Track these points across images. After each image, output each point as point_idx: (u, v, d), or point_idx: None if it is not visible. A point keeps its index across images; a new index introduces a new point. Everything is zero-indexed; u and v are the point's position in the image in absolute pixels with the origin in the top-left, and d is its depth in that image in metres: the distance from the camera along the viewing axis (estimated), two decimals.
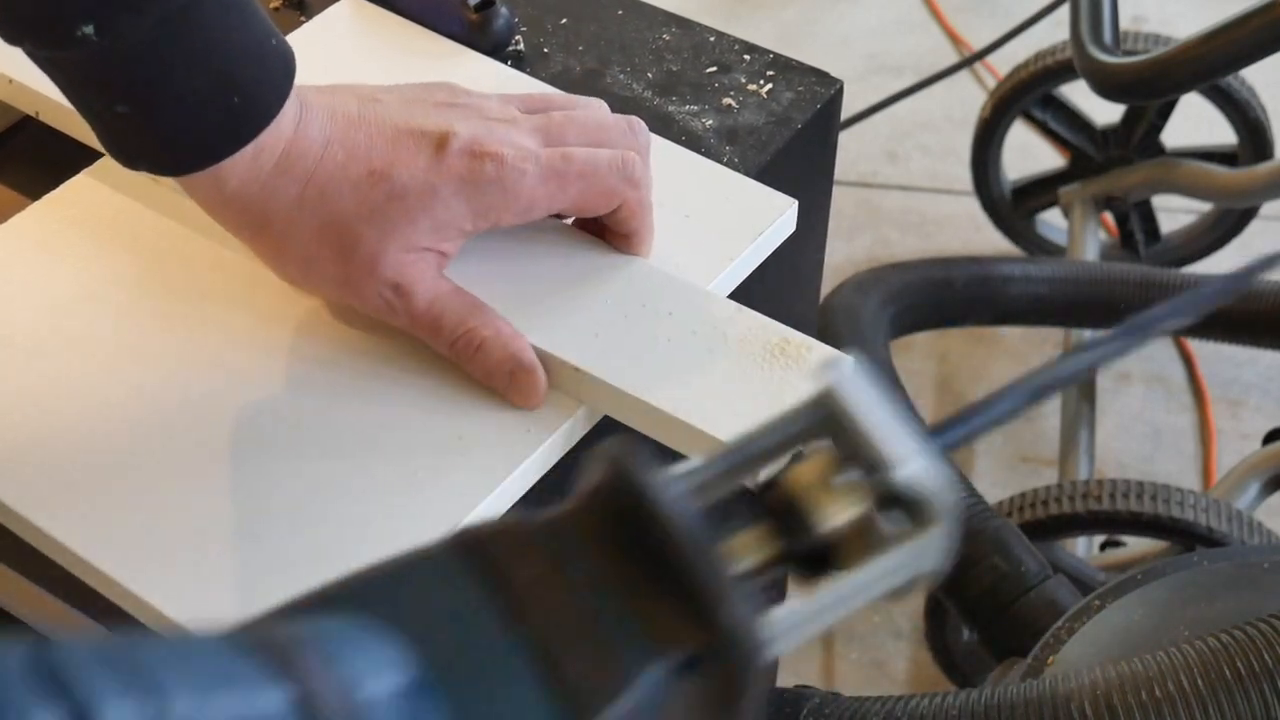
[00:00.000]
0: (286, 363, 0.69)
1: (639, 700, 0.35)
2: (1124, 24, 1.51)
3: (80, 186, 0.76)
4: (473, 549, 0.37)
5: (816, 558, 0.38)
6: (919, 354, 1.74)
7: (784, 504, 0.38)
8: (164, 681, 0.30)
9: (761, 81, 0.83)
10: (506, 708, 0.34)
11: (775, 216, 0.74)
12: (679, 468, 0.39)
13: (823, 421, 0.39)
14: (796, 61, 0.84)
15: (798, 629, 0.37)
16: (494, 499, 0.64)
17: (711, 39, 0.85)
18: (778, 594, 0.38)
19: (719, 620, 0.35)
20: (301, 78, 0.81)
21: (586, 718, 0.34)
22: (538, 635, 0.35)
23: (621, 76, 0.83)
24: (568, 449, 0.68)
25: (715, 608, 0.35)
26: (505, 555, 0.36)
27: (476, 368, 0.65)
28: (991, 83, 1.98)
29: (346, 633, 0.34)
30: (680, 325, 0.68)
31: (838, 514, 0.38)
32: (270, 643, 0.33)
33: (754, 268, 0.74)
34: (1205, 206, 1.77)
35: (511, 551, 0.36)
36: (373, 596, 0.36)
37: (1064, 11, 1.62)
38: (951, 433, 0.42)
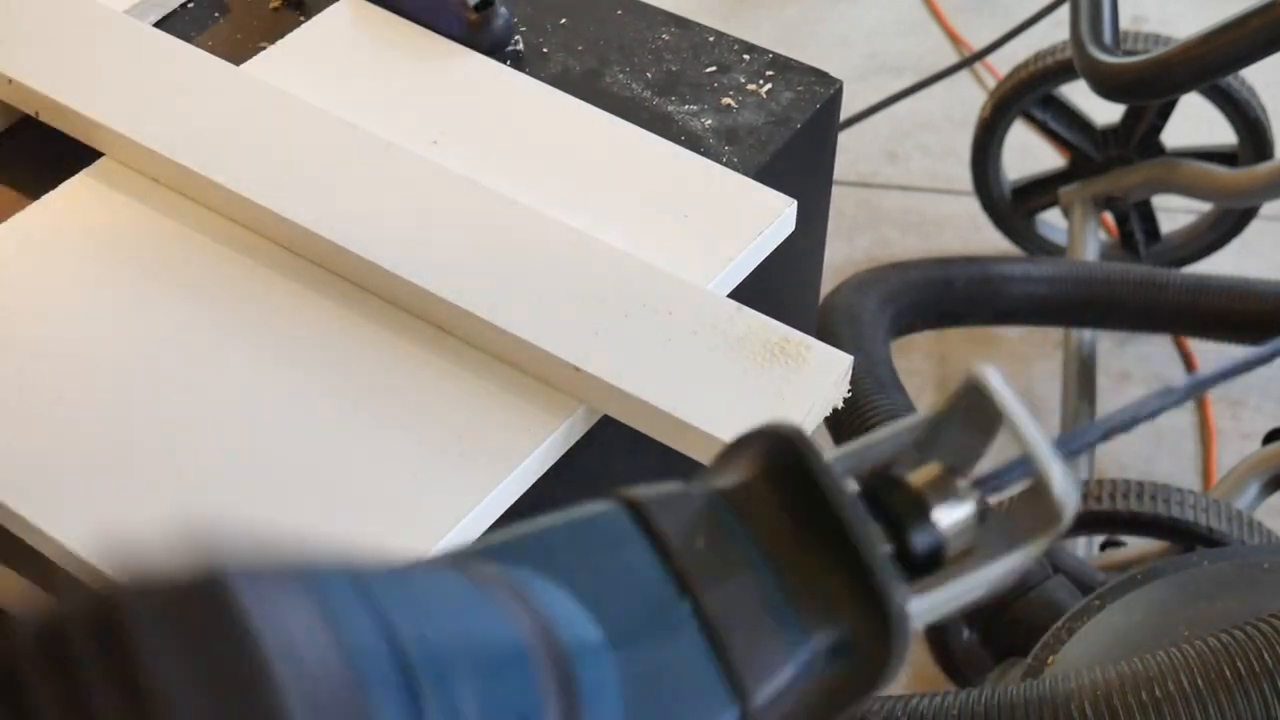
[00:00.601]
0: (287, 363, 0.69)
1: (793, 677, 0.36)
2: (1124, 24, 1.51)
3: (80, 186, 0.76)
4: (640, 513, 0.37)
5: (932, 553, 0.39)
6: (919, 354, 1.74)
7: (907, 499, 0.39)
8: (424, 603, 0.31)
9: (761, 81, 0.83)
10: (679, 681, 0.35)
11: (775, 216, 0.74)
12: (835, 452, 0.40)
13: (967, 414, 0.41)
14: (796, 61, 0.84)
15: (922, 618, 0.38)
16: (494, 497, 0.64)
17: (711, 39, 0.85)
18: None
19: (883, 603, 0.36)
20: (302, 78, 0.81)
21: (749, 694, 0.35)
22: (708, 608, 0.35)
23: (621, 76, 0.83)
24: (567, 448, 0.68)
25: (881, 591, 0.36)
26: (673, 523, 0.37)
27: None
28: (991, 83, 1.98)
29: (540, 583, 0.34)
30: (680, 325, 0.68)
31: (955, 512, 0.40)
32: (497, 580, 0.33)
33: (754, 267, 0.74)
34: (1205, 206, 1.77)
35: (679, 519, 0.37)
36: (548, 552, 0.36)
37: (1064, 11, 1.61)
38: (1076, 441, 0.44)
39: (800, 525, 0.37)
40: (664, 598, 0.36)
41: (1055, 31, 1.75)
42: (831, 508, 0.36)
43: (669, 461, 0.67)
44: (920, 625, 0.38)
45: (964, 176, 1.83)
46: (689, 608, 0.35)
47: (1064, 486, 0.39)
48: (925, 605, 0.38)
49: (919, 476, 0.40)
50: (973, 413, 0.41)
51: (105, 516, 0.63)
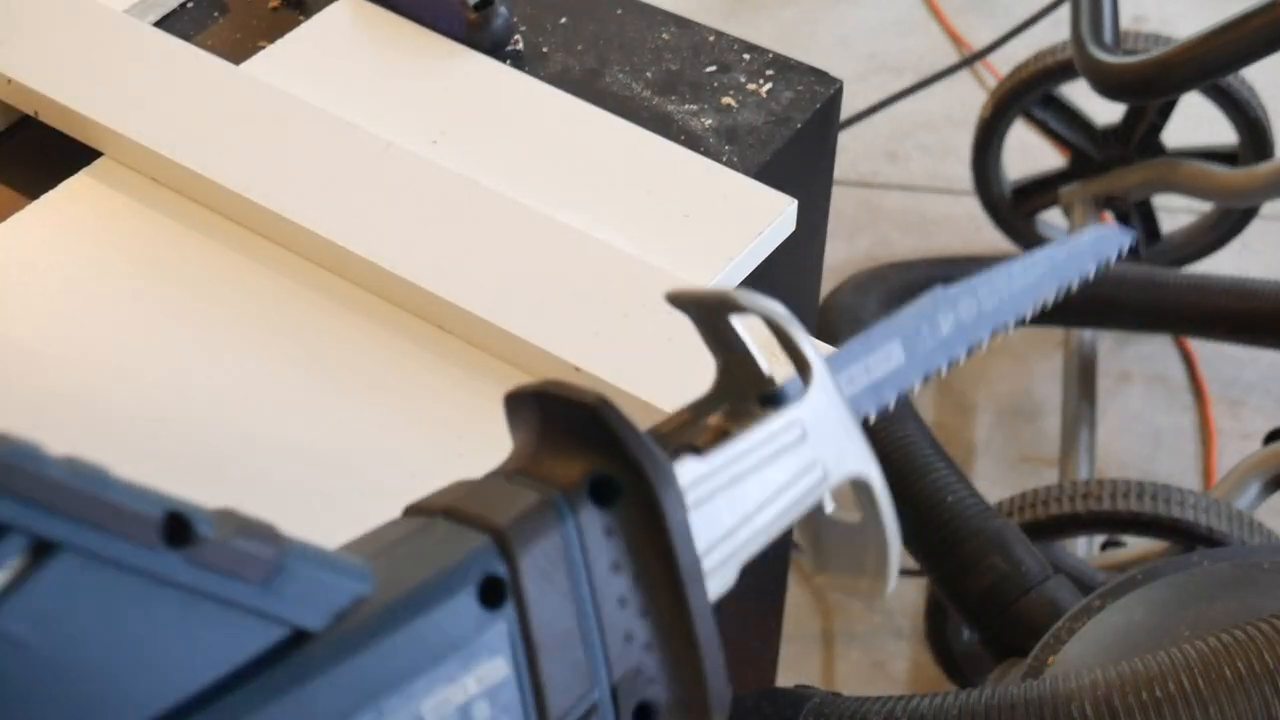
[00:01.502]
0: (287, 363, 0.69)
1: (564, 536, 0.40)
2: (1124, 23, 1.51)
3: (79, 186, 0.76)
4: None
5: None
6: None
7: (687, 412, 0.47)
8: None
9: (761, 81, 0.83)
10: (431, 562, 0.39)
11: (775, 216, 0.74)
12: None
13: (721, 347, 0.48)
14: (796, 61, 0.84)
15: (704, 482, 0.43)
16: None
17: (711, 38, 0.85)
18: None
19: (626, 450, 0.41)
20: (301, 78, 0.81)
21: (511, 544, 0.39)
22: (459, 509, 0.41)
23: (621, 76, 0.83)
24: None
25: (623, 442, 0.41)
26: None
27: None
28: (992, 82, 1.98)
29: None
30: (680, 324, 0.68)
31: (729, 408, 0.47)
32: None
33: (754, 267, 0.74)
34: (1206, 206, 1.77)
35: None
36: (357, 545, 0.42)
37: (1064, 11, 1.62)
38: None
39: (557, 425, 0.42)
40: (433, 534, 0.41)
41: (1055, 31, 1.75)
42: (576, 404, 0.42)
43: None
44: (703, 491, 0.43)
45: (964, 176, 1.83)
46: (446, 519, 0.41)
47: (803, 336, 0.45)
48: (696, 470, 0.43)
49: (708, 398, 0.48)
50: (720, 340, 0.48)
51: None
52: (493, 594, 0.38)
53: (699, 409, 0.48)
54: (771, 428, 0.45)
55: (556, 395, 0.42)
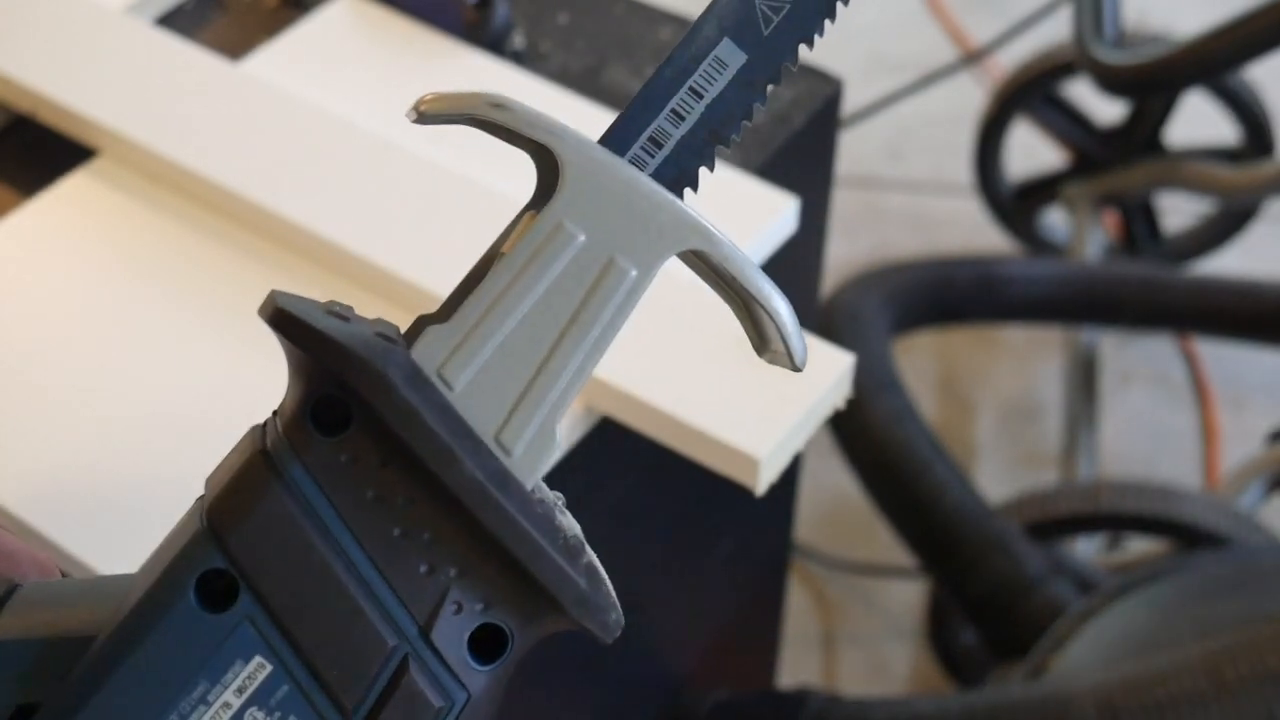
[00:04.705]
0: (285, 361, 0.68)
1: (288, 489, 0.34)
2: (1126, 21, 1.51)
3: (76, 185, 0.76)
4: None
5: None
6: (921, 354, 1.74)
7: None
8: None
9: None
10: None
11: (776, 215, 0.74)
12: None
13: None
14: None
15: (460, 349, 0.35)
16: None
17: None
18: None
19: (324, 359, 0.34)
20: (300, 76, 0.81)
21: (219, 526, 0.34)
22: (206, 491, 0.36)
23: (621, 74, 0.83)
24: (568, 449, 0.67)
25: (316, 352, 0.34)
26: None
27: None
28: (993, 81, 1.98)
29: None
30: (681, 324, 0.68)
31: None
32: None
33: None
34: (1208, 205, 1.76)
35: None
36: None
37: (1066, 9, 1.61)
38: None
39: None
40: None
41: (1057, 29, 1.75)
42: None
43: (667, 461, 0.67)
44: (463, 358, 0.35)
45: (965, 175, 1.83)
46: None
47: (534, 115, 0.37)
48: (439, 340, 0.35)
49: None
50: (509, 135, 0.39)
51: (104, 515, 0.62)
52: (215, 593, 0.34)
53: (499, 241, 0.38)
54: (527, 244, 0.36)
55: (266, 317, 0.36)
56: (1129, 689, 0.88)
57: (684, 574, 0.90)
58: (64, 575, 0.40)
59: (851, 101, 1.44)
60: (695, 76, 0.39)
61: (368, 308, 0.71)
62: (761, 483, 0.65)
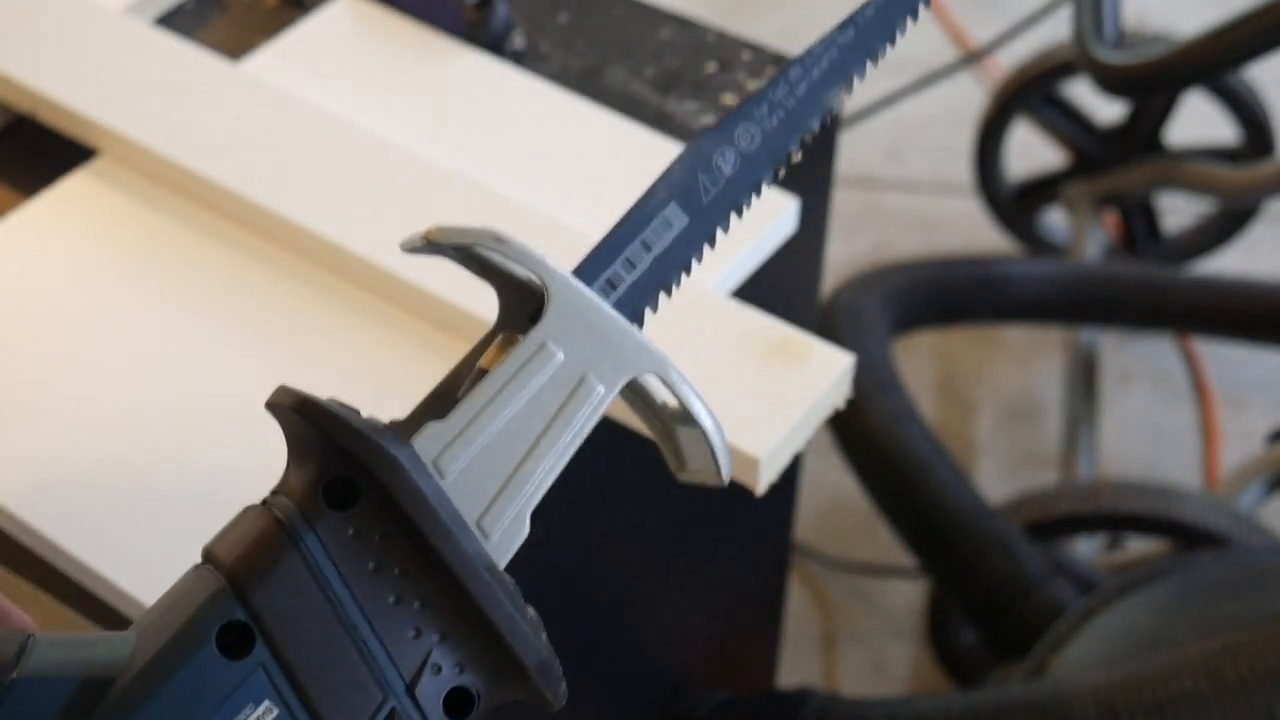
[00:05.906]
0: (284, 361, 0.68)
1: (303, 555, 0.39)
2: (1126, 21, 1.51)
3: (76, 185, 0.76)
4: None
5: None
6: (921, 354, 1.74)
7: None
8: None
9: (762, 79, 0.82)
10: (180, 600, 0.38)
11: (776, 215, 0.74)
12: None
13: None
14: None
15: (453, 444, 0.41)
16: None
17: (711, 37, 0.85)
18: None
19: (341, 445, 0.39)
20: (300, 75, 0.81)
21: (242, 582, 0.38)
22: (211, 551, 0.40)
23: (621, 74, 0.83)
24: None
25: (335, 439, 0.39)
26: None
27: None
28: (993, 81, 1.98)
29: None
30: (681, 325, 0.68)
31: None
32: None
33: (755, 266, 0.74)
34: (1208, 205, 1.76)
35: None
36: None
37: (1066, 9, 1.61)
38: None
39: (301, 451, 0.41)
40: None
41: (1057, 29, 1.75)
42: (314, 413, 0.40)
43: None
44: (455, 453, 0.40)
45: (965, 176, 1.83)
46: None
47: (524, 250, 0.42)
48: (437, 435, 0.41)
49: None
50: (484, 267, 0.44)
51: (104, 515, 0.62)
52: (235, 642, 0.38)
53: (475, 353, 0.45)
54: (517, 359, 0.42)
55: (277, 404, 0.41)
56: (1129, 689, 0.88)
57: (684, 574, 0.90)
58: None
59: (851, 101, 1.44)
60: (646, 232, 0.47)
61: (367, 307, 0.71)
62: (761, 483, 0.65)
